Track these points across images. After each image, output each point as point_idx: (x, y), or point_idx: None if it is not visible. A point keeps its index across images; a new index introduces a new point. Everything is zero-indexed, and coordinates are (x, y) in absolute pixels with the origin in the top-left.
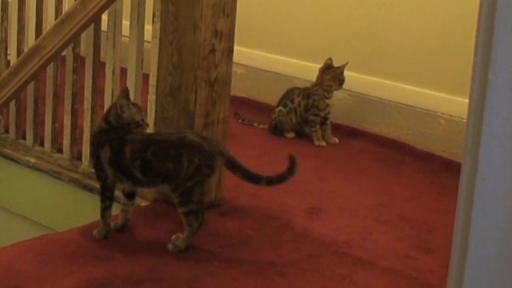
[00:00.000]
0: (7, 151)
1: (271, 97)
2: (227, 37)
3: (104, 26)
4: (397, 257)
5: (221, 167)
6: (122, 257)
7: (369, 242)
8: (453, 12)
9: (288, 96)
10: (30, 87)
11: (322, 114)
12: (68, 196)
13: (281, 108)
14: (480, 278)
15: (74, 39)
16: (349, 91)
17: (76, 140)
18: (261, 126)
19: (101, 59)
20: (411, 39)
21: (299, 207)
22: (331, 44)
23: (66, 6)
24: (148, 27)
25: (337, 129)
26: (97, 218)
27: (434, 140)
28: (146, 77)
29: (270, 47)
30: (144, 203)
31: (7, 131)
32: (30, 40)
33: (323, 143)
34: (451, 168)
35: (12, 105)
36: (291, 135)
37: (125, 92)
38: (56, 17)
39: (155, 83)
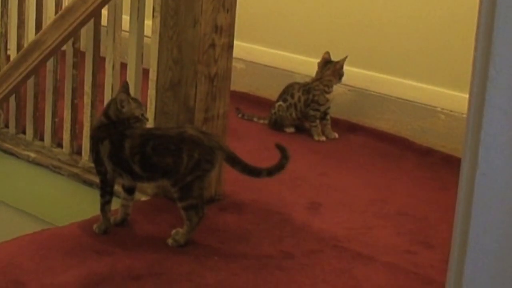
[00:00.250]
0: (7, 145)
1: (271, 92)
2: (227, 32)
3: (104, 21)
4: (396, 252)
5: (221, 162)
6: (122, 251)
7: (368, 237)
8: (453, 6)
9: (288, 91)
10: (30, 82)
11: (322, 109)
12: (68, 191)
13: (281, 103)
14: (480, 272)
15: (74, 34)
16: (349, 86)
17: (76, 134)
18: (261, 121)
19: (101, 54)
20: (411, 34)
21: (299, 202)
22: (331, 39)
23: (66, 1)
24: (148, 22)
25: (337, 124)
26: (97, 213)
27: (433, 135)
28: (146, 72)
29: (270, 42)
30: (144, 198)
31: (7, 126)
32: (30, 34)
33: (323, 138)
34: (451, 163)
35: (12, 99)
36: (291, 130)
37: (125, 87)
38: (56, 12)
39: (155, 78)
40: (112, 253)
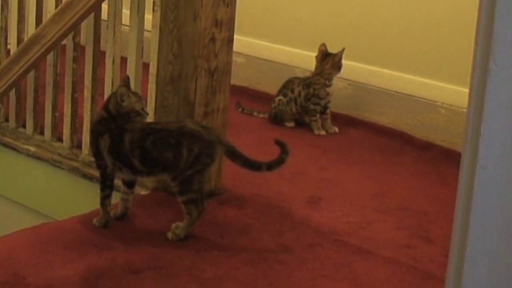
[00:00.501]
0: (7, 139)
1: (271, 86)
2: (227, 26)
3: (104, 15)
4: (396, 246)
5: (221, 156)
6: (121, 245)
7: (368, 231)
8: (454, 0)
9: (288, 86)
10: (30, 76)
11: (323, 103)
12: (68, 185)
13: (281, 97)
14: (480, 267)
15: (74, 28)
16: (349, 80)
17: (76, 129)
18: (261, 115)
19: (101, 48)
20: (412, 28)
21: (299, 196)
22: (331, 33)
23: None
24: (148, 16)
25: (336, 118)
26: (97, 207)
27: (433, 129)
28: (146, 66)
29: (270, 36)
30: (143, 192)
31: (7, 120)
32: (30, 29)
33: (323, 132)
34: (451, 157)
35: (12, 94)
36: (291, 124)
37: (125, 81)
38: (56, 6)
39: (155, 72)
40: (112, 247)
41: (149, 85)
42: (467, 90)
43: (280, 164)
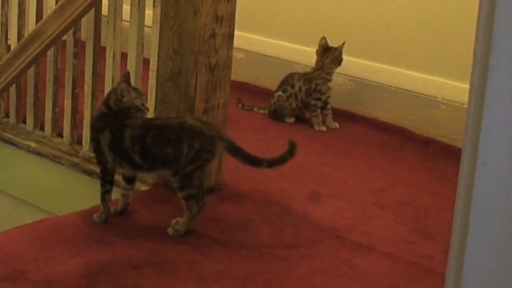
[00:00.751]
0: (8, 135)
1: (272, 82)
2: (227, 22)
3: (104, 10)
4: (396, 242)
5: (221, 151)
6: (122, 241)
7: (368, 227)
8: None
9: (287, 81)
10: (31, 71)
11: (324, 98)
12: (68, 181)
13: (280, 93)
14: (480, 263)
15: (74, 24)
16: (349, 76)
17: (76, 124)
18: (261, 111)
19: (102, 44)
20: (412, 23)
21: (299, 192)
22: (331, 29)
23: None
24: (148, 12)
25: (337, 114)
26: (97, 203)
27: (434, 125)
28: (146, 61)
29: (270, 32)
30: (144, 188)
31: (7, 116)
32: (31, 24)
33: (323, 128)
34: (451, 153)
35: (13, 89)
36: (291, 120)
37: (126, 77)
38: (57, 2)
39: (155, 68)
40: (112, 242)
41: (149, 81)
42: (467, 86)
43: (281, 163)
